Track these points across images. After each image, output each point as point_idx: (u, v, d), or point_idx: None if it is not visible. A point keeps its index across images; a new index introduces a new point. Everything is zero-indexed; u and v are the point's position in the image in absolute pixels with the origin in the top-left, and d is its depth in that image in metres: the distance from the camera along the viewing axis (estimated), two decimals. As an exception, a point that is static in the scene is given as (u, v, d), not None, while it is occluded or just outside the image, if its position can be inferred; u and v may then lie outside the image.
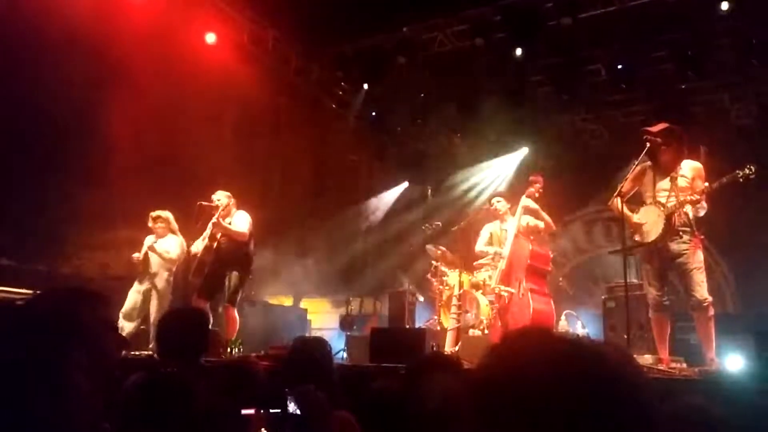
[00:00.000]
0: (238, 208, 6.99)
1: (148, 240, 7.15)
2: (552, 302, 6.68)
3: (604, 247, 11.02)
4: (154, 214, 7.21)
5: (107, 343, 1.47)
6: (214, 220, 6.62)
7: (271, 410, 2.14)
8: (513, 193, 7.11)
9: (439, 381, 2.28)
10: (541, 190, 6.72)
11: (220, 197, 6.81)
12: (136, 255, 7.08)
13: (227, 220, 6.79)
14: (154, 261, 7.10)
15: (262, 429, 2.09)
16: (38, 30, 6.98)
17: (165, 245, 7.16)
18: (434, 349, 6.37)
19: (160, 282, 7.05)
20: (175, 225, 7.26)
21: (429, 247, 8.41)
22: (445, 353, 6.02)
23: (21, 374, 1.26)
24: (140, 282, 7.07)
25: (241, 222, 6.83)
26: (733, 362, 5.12)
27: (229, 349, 6.53)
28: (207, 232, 6.72)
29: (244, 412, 2.13)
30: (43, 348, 1.30)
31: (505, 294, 6.48)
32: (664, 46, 9.00)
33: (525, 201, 6.70)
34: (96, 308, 1.46)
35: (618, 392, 0.89)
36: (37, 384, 1.26)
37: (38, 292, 1.61)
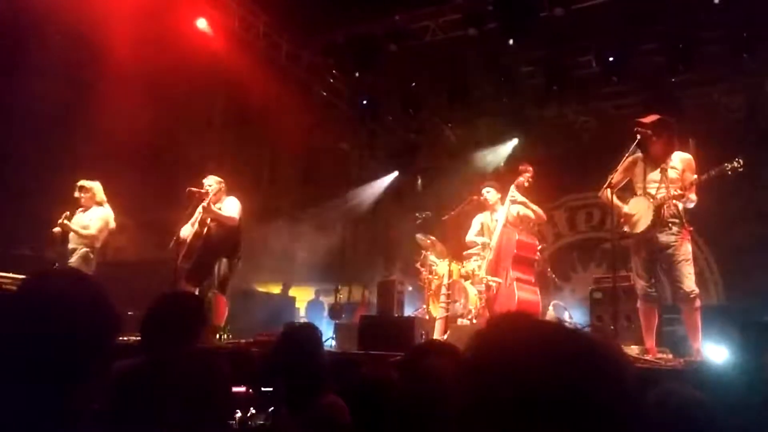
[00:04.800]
0: (228, 194, 6.94)
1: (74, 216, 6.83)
2: (538, 292, 6.72)
3: (584, 233, 11.10)
4: (79, 183, 6.87)
5: (116, 338, 1.43)
6: (204, 204, 6.57)
7: (262, 389, 2.14)
8: (503, 184, 7.13)
9: (434, 366, 2.29)
10: (530, 180, 6.75)
11: (211, 182, 6.76)
12: (56, 230, 6.72)
13: (217, 205, 6.74)
14: (72, 237, 6.76)
15: (251, 408, 2.09)
16: (22, 14, 6.88)
17: (84, 219, 6.84)
18: (423, 337, 6.40)
19: (77, 260, 6.68)
20: (101, 197, 6.94)
21: (419, 236, 8.42)
22: (440, 341, 6.04)
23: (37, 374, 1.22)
24: (60, 263, 6.67)
25: (230, 207, 6.79)
26: (718, 353, 5.18)
27: (218, 336, 6.52)
28: (196, 217, 6.68)
29: (235, 389, 2.13)
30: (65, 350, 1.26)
31: (493, 284, 6.52)
32: (655, 38, 9.02)
33: (512, 192, 6.74)
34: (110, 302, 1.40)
35: (606, 373, 0.90)
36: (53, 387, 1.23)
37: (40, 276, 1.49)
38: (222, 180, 6.88)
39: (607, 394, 0.89)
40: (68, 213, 6.82)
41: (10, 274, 6.17)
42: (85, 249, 6.79)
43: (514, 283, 6.40)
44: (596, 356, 0.92)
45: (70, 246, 6.79)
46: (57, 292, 1.33)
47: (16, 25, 6.94)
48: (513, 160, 10.69)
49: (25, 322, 1.26)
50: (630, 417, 0.90)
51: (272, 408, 2.05)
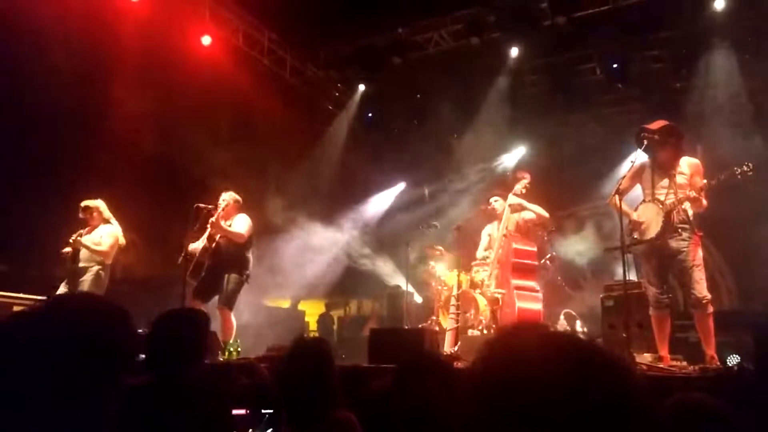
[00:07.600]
0: (240, 211, 6.93)
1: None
2: (540, 298, 6.68)
3: (594, 241, 11.01)
4: (83, 204, 6.87)
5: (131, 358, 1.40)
6: (212, 220, 6.58)
7: (263, 411, 2.11)
8: (509, 192, 7.12)
9: (423, 386, 2.25)
10: (527, 186, 6.76)
11: (227, 198, 6.78)
12: (66, 250, 6.71)
13: (227, 222, 6.75)
14: (83, 256, 6.74)
15: (250, 430, 2.05)
16: (32, 31, 6.93)
17: (95, 236, 6.82)
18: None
19: (90, 278, 6.66)
20: (108, 214, 6.94)
21: (427, 247, 8.41)
22: (436, 354, 6.00)
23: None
24: (69, 282, 6.67)
25: (240, 224, 6.80)
26: (731, 359, 5.13)
27: (226, 352, 6.50)
28: (206, 233, 6.69)
29: (235, 412, 2.10)
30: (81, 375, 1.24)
31: (499, 296, 6.51)
32: (659, 44, 9.02)
33: (510, 200, 6.75)
34: (128, 326, 1.36)
35: (612, 385, 0.89)
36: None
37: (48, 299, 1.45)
38: (236, 196, 6.89)
39: (614, 405, 0.88)
40: (81, 232, 6.83)
41: (21, 295, 6.19)
42: (96, 267, 6.75)
43: (514, 292, 6.40)
44: (601, 368, 0.91)
45: (81, 264, 6.75)
46: (70, 310, 1.31)
47: (27, 41, 6.99)
48: (519, 169, 10.67)
49: (37, 341, 1.24)
50: (639, 428, 0.88)
51: (271, 429, 2.01)
